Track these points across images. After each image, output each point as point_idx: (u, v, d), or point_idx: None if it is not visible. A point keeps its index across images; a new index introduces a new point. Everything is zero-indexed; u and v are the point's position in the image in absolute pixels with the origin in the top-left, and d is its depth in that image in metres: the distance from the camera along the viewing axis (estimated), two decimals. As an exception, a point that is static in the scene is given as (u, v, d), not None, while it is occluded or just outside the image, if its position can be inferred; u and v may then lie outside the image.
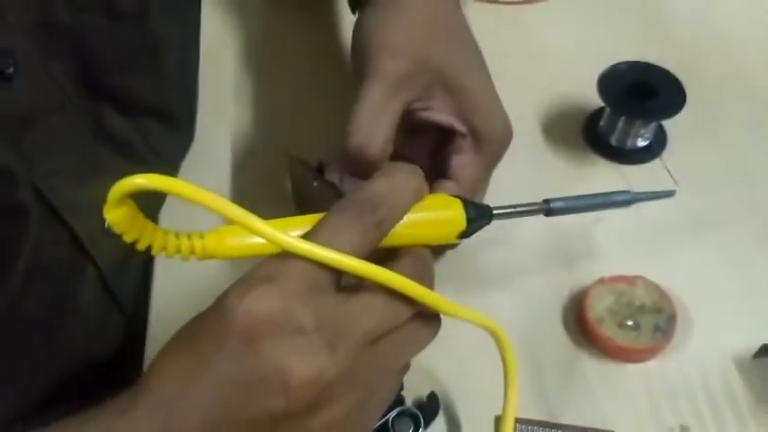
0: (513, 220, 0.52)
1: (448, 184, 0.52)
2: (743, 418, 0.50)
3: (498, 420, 0.49)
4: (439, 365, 0.53)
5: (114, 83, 0.53)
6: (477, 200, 0.50)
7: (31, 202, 0.47)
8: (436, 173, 0.53)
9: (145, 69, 0.54)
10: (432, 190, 0.50)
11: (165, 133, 0.58)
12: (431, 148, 0.55)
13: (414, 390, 0.51)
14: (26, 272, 0.48)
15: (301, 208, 0.57)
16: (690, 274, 0.56)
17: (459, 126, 0.52)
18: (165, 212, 0.61)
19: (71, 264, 0.53)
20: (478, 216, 0.43)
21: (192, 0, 0.60)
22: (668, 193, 0.52)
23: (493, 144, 0.53)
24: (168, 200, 0.61)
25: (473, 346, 0.53)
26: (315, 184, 0.55)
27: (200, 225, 0.60)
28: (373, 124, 0.50)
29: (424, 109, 0.52)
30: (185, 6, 0.57)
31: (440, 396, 0.51)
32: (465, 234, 0.42)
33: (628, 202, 0.51)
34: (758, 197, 0.61)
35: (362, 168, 0.50)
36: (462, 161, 0.53)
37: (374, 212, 0.37)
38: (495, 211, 0.44)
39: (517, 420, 0.50)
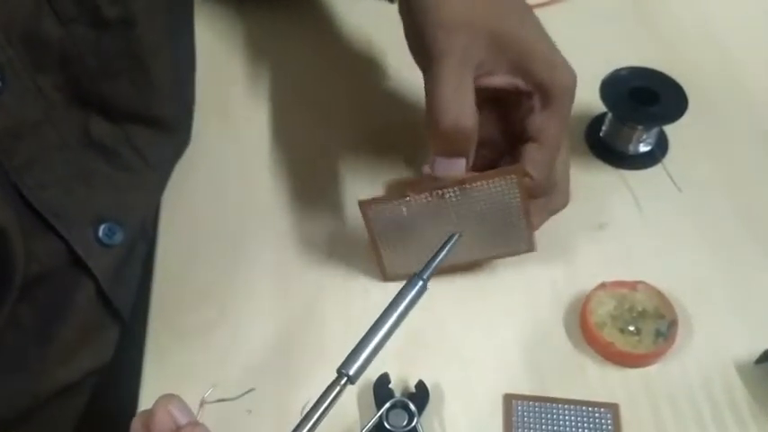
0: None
1: (532, 145, 0.52)
2: (745, 423, 0.50)
3: (507, 398, 0.50)
4: (418, 353, 0.53)
5: (101, 91, 0.53)
6: (559, 154, 0.52)
7: (8, 222, 0.47)
8: (518, 140, 0.53)
9: (131, 77, 0.54)
10: (517, 156, 0.52)
11: (154, 139, 0.57)
12: (501, 121, 0.55)
13: (401, 381, 0.51)
14: (21, 283, 0.48)
15: (388, 245, 0.55)
16: (691, 279, 0.56)
17: (522, 84, 0.52)
18: (166, 210, 0.61)
19: (67, 274, 0.53)
20: None
21: (184, 6, 0.59)
22: (456, 239, 0.49)
23: (560, 93, 0.52)
24: (170, 193, 0.61)
25: (451, 332, 0.55)
26: (404, 210, 0.52)
27: (202, 222, 0.60)
28: (461, 98, 0.50)
29: (485, 75, 0.52)
30: (176, 13, 0.57)
31: (427, 382, 0.51)
32: None
33: (421, 292, 0.46)
34: (759, 202, 0.61)
35: (460, 144, 0.50)
36: (537, 120, 0.52)
37: None
38: None
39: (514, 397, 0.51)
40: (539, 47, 0.53)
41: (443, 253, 0.48)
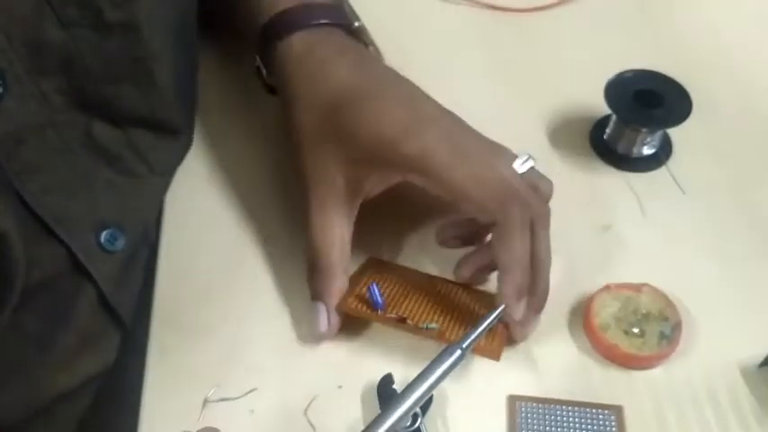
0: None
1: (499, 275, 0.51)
2: (748, 426, 0.50)
3: (511, 399, 0.50)
4: (425, 354, 0.52)
5: (103, 94, 0.52)
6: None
7: (9, 227, 0.47)
8: None
9: (135, 81, 0.53)
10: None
11: (157, 143, 0.57)
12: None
13: (405, 382, 0.50)
14: (23, 289, 0.48)
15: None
16: (695, 282, 0.56)
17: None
18: (169, 213, 0.61)
19: (69, 279, 0.53)
20: None
21: (188, 9, 0.59)
22: (499, 313, 0.49)
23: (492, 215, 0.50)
24: (173, 196, 0.61)
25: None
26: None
27: (205, 223, 0.60)
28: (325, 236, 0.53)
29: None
30: (180, 17, 0.57)
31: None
32: None
33: (458, 361, 0.47)
34: (764, 205, 0.61)
35: (317, 281, 0.53)
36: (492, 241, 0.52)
37: None
38: None
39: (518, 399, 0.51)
40: (443, 174, 0.51)
41: (486, 323, 0.48)
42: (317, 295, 0.53)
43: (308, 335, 0.53)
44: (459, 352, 0.46)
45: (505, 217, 0.49)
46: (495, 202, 0.50)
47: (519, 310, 0.50)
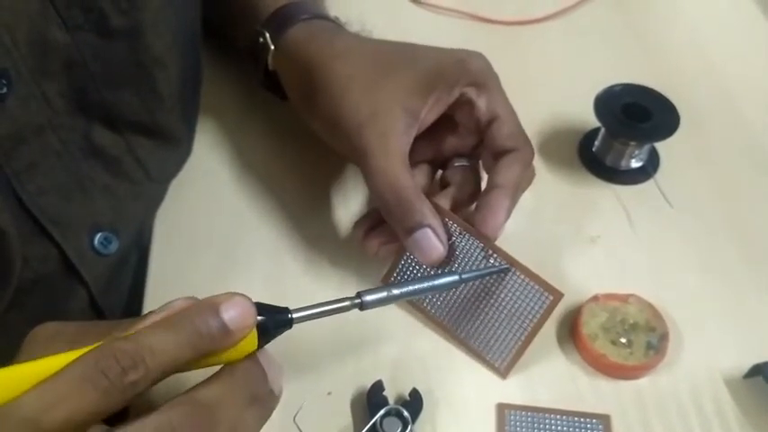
0: (507, 236, 0.52)
1: (507, 156, 0.54)
2: (733, 437, 0.51)
3: (500, 408, 0.51)
4: (415, 361, 0.53)
5: (104, 99, 0.52)
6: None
7: (7, 225, 0.47)
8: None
9: (136, 87, 0.54)
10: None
11: (156, 150, 0.57)
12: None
13: (395, 389, 0.51)
14: (14, 288, 0.48)
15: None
16: (682, 293, 0.57)
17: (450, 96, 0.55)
18: (161, 219, 0.61)
19: (60, 280, 0.53)
20: (273, 329, 0.41)
21: (192, 19, 0.59)
22: (503, 269, 0.51)
23: (481, 75, 0.55)
24: (166, 201, 0.61)
25: (445, 341, 0.55)
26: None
27: (197, 231, 0.60)
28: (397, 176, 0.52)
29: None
30: (184, 26, 0.57)
31: (421, 391, 0.51)
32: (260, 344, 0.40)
33: (453, 285, 0.50)
34: (749, 218, 0.62)
35: (404, 214, 0.51)
36: (484, 105, 0.55)
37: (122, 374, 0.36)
38: (295, 315, 0.42)
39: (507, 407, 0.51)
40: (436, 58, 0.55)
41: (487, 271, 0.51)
42: (415, 225, 0.51)
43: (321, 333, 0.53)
44: (457, 277, 0.50)
45: (528, 149, 0.54)
46: (522, 133, 0.55)
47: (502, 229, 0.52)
